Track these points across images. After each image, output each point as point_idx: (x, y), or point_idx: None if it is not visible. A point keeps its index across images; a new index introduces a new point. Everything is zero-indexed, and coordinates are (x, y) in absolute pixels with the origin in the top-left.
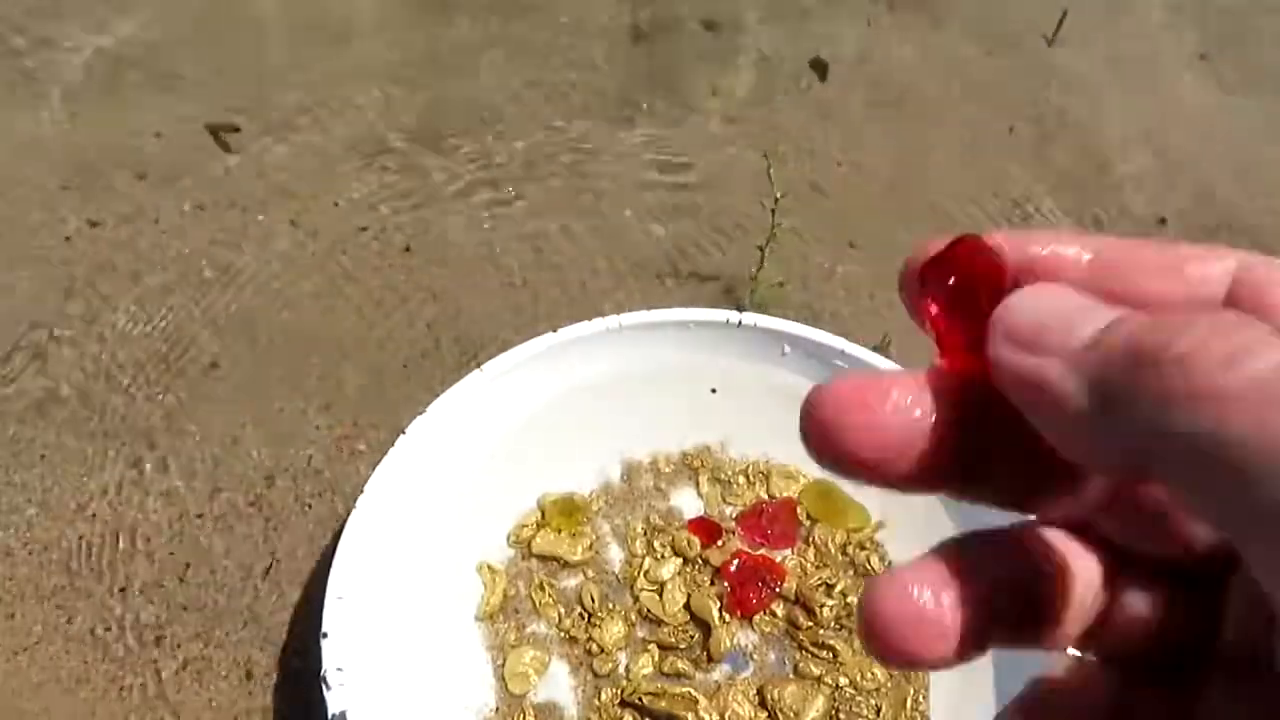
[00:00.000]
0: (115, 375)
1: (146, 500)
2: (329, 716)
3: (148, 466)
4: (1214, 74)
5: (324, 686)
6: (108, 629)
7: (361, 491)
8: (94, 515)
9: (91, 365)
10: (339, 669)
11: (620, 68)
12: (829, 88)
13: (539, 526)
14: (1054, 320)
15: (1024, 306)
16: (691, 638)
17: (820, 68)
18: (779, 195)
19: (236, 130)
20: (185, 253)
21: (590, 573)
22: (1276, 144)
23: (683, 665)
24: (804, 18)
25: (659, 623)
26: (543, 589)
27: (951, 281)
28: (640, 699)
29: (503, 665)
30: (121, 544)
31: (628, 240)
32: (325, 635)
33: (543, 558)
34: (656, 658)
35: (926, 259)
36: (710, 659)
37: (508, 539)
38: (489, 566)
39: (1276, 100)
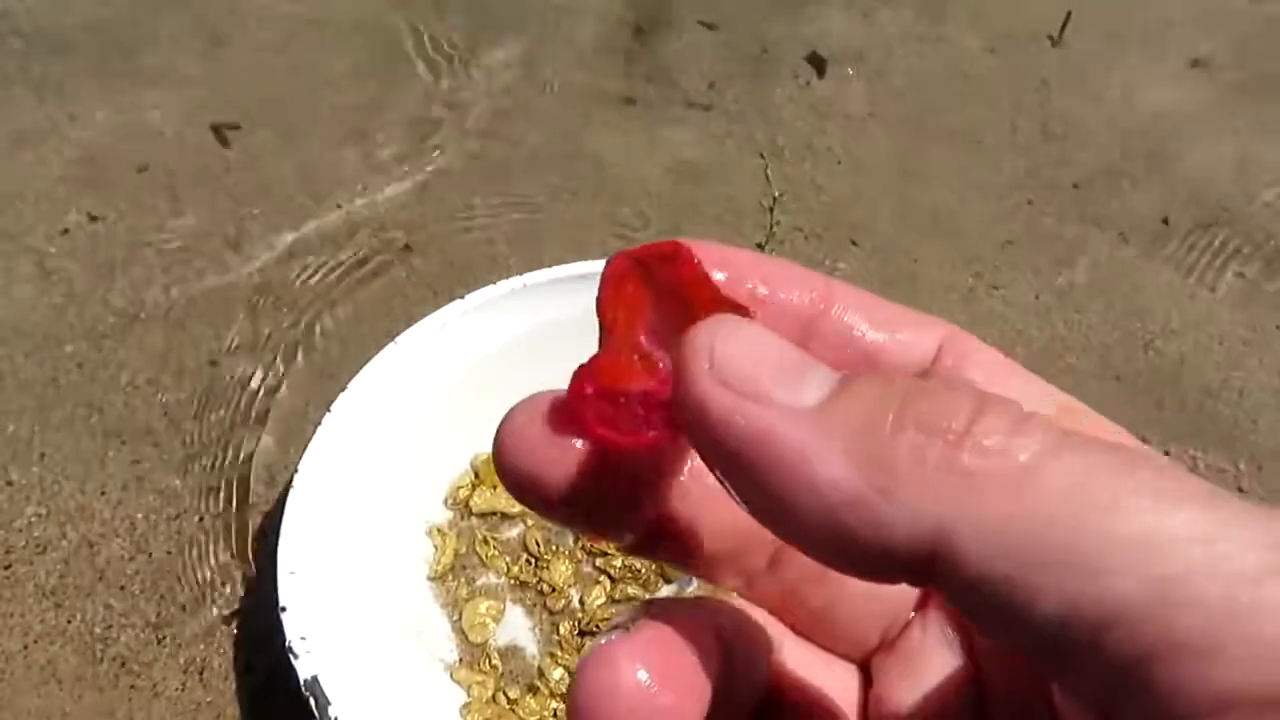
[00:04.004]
0: (114, 373)
1: (146, 499)
2: (301, 684)
3: (147, 465)
4: (1214, 74)
5: (291, 656)
6: (108, 628)
7: (297, 471)
8: (94, 515)
9: (90, 363)
10: (302, 638)
11: (618, 63)
12: (829, 85)
13: (474, 486)
14: (767, 367)
15: (739, 341)
16: (638, 566)
17: (818, 64)
18: (778, 194)
19: (237, 128)
20: (184, 248)
21: (530, 521)
22: (1275, 144)
23: (633, 590)
24: (803, 14)
25: (604, 555)
26: (486, 543)
27: (644, 285)
28: (598, 626)
29: (459, 619)
30: (122, 543)
31: (629, 238)
32: (284, 609)
33: (483, 514)
34: (608, 588)
35: (627, 252)
36: (666, 580)
37: (445, 501)
38: (439, 529)
39: (1275, 101)
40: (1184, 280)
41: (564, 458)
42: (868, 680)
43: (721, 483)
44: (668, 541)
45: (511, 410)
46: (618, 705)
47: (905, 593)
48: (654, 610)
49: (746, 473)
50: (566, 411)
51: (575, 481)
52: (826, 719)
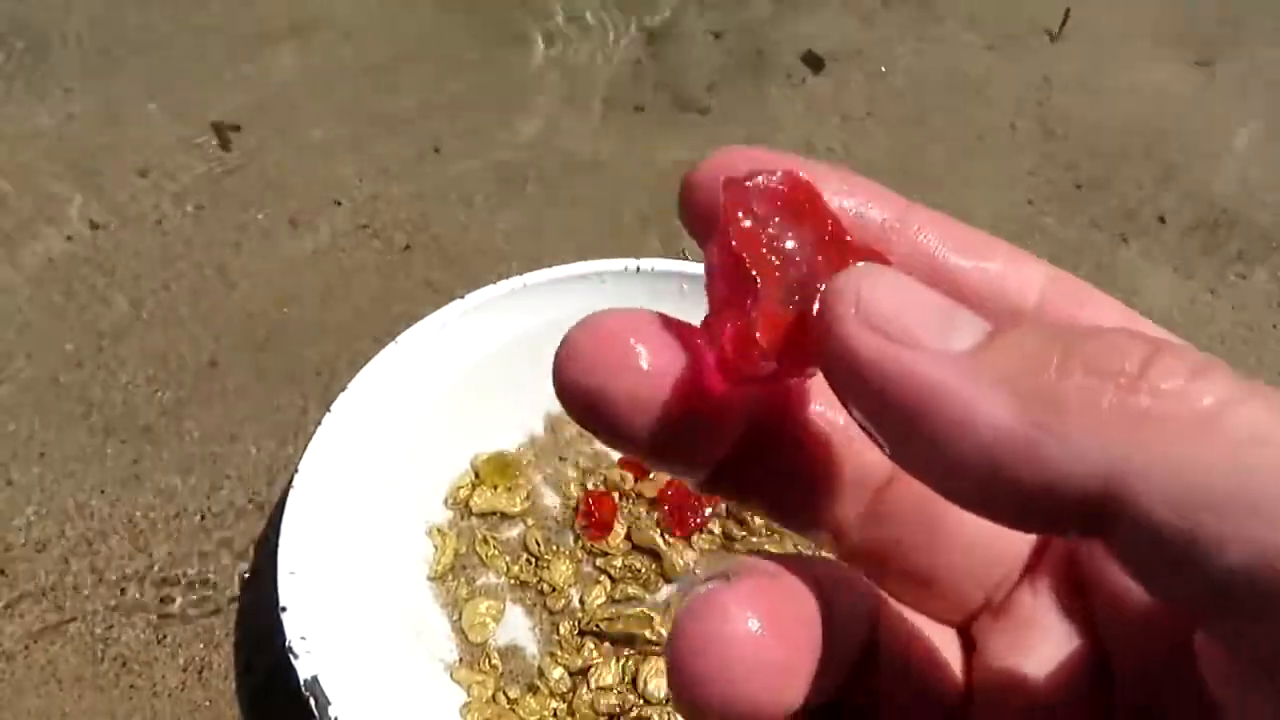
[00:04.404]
0: (115, 372)
1: (146, 498)
2: (301, 684)
3: (147, 464)
4: (1213, 73)
5: (291, 656)
6: (108, 628)
7: (297, 471)
8: (93, 513)
9: (90, 363)
10: (302, 638)
11: (626, 70)
12: (827, 85)
13: (474, 486)
14: (915, 312)
15: (885, 286)
16: (638, 566)
17: (815, 64)
18: None
19: (237, 129)
20: (185, 251)
21: (530, 520)
22: (1275, 143)
23: (633, 590)
24: (803, 15)
25: (604, 555)
26: (486, 543)
27: (770, 224)
28: (598, 626)
29: (459, 619)
30: (121, 542)
31: (627, 238)
32: (284, 609)
33: (483, 514)
34: (608, 588)
35: (735, 176)
36: (666, 580)
37: (445, 501)
38: (439, 529)
39: (1275, 99)
40: (1184, 281)
41: (636, 381)
42: (966, 645)
43: (864, 428)
44: (749, 482)
45: (573, 330)
46: (729, 654)
47: (1013, 552)
48: (752, 562)
49: (896, 416)
50: (694, 361)
51: (648, 409)
52: (929, 680)
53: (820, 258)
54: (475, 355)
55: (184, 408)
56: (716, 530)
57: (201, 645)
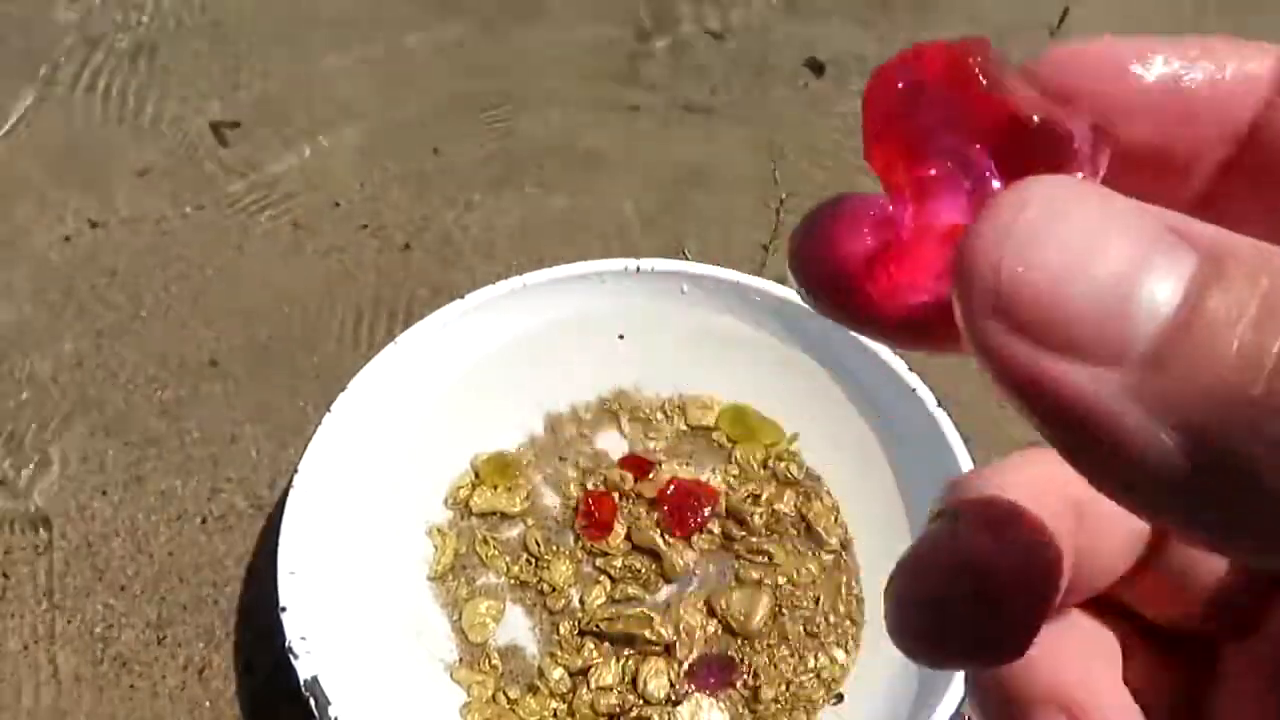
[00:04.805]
0: (115, 373)
1: (146, 499)
2: (301, 684)
3: (147, 465)
4: None
5: (291, 656)
6: (108, 628)
7: (297, 471)
8: (93, 515)
9: (90, 363)
10: (302, 638)
11: (622, 69)
12: (829, 87)
13: (474, 486)
14: (1081, 292)
15: (1038, 249)
16: (638, 566)
17: (816, 67)
18: (784, 196)
19: (236, 125)
20: (185, 252)
21: (530, 521)
22: None
23: (633, 590)
24: (802, 18)
25: (605, 555)
26: (486, 543)
27: (916, 126)
28: (598, 626)
29: (459, 619)
30: (122, 543)
31: (630, 240)
32: (284, 609)
33: (483, 514)
34: (608, 588)
35: (899, 64)
36: (666, 580)
37: (445, 501)
38: (439, 529)
39: None
40: None
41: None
42: None
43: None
44: None
45: (815, 210)
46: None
47: None
48: (977, 494)
49: (1047, 430)
50: (846, 287)
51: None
52: (1206, 572)
53: (981, 159)
54: (475, 355)
55: (184, 408)
56: (716, 530)
57: (201, 645)
